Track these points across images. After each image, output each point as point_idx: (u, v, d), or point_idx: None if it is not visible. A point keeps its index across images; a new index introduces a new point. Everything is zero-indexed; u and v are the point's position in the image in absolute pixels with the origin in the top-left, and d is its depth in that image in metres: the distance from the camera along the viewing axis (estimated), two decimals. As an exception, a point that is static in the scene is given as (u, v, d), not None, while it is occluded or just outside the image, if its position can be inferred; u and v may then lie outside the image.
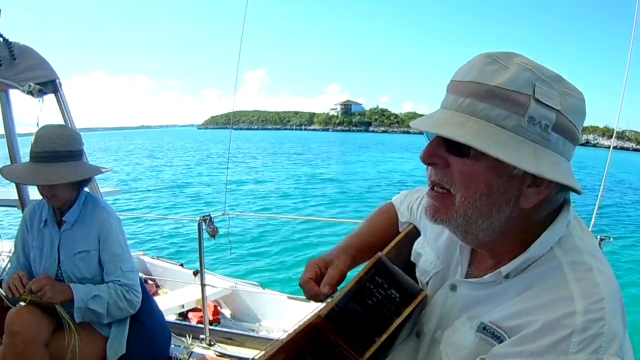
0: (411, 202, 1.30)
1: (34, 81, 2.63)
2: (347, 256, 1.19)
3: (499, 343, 0.81)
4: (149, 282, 4.80)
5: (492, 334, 0.83)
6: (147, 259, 5.30)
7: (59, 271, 2.05)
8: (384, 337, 0.96)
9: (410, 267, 1.15)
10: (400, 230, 1.31)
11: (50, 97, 2.77)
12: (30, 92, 2.63)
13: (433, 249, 1.09)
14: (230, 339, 2.95)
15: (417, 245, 1.17)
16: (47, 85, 2.71)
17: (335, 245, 1.27)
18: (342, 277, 1.13)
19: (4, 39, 2.52)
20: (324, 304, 1.03)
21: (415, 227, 1.28)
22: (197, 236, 3.30)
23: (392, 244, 1.23)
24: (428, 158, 0.85)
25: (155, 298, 4.15)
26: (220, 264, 7.83)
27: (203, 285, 3.34)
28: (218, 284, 4.51)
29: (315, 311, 1.01)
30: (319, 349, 1.00)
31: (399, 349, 1.04)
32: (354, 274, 1.08)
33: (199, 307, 4.01)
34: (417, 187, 1.37)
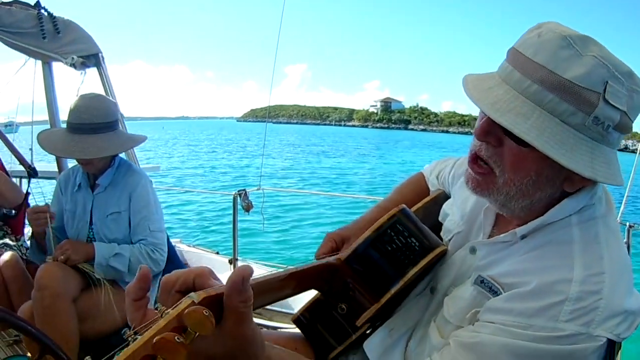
0: (442, 169, 1.30)
1: (76, 54, 2.72)
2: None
3: (495, 297, 0.81)
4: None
5: (489, 287, 0.84)
6: (183, 247, 5.37)
7: (91, 232, 2.09)
8: (401, 284, 0.96)
9: (435, 231, 1.13)
10: None
11: (92, 72, 2.87)
12: (73, 65, 2.73)
13: (459, 210, 1.09)
14: (259, 313, 2.97)
15: (446, 206, 1.18)
16: (90, 58, 2.81)
17: (360, 215, 1.26)
18: None
19: (48, 12, 2.63)
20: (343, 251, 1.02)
21: (443, 192, 1.28)
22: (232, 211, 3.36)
23: (419, 204, 1.24)
24: (483, 136, 0.82)
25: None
26: (256, 243, 7.83)
27: (235, 260, 3.38)
28: (254, 270, 4.53)
29: (335, 255, 1.01)
30: (333, 290, 1.00)
31: (412, 302, 1.05)
32: None
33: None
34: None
